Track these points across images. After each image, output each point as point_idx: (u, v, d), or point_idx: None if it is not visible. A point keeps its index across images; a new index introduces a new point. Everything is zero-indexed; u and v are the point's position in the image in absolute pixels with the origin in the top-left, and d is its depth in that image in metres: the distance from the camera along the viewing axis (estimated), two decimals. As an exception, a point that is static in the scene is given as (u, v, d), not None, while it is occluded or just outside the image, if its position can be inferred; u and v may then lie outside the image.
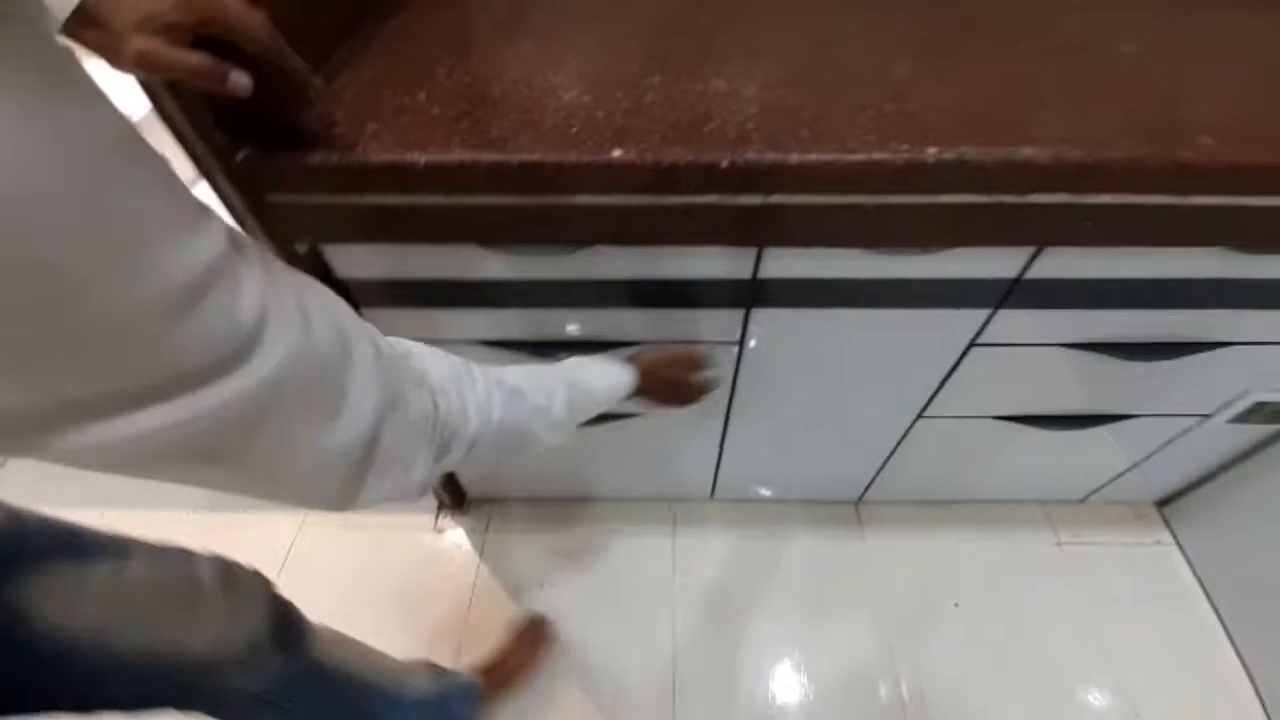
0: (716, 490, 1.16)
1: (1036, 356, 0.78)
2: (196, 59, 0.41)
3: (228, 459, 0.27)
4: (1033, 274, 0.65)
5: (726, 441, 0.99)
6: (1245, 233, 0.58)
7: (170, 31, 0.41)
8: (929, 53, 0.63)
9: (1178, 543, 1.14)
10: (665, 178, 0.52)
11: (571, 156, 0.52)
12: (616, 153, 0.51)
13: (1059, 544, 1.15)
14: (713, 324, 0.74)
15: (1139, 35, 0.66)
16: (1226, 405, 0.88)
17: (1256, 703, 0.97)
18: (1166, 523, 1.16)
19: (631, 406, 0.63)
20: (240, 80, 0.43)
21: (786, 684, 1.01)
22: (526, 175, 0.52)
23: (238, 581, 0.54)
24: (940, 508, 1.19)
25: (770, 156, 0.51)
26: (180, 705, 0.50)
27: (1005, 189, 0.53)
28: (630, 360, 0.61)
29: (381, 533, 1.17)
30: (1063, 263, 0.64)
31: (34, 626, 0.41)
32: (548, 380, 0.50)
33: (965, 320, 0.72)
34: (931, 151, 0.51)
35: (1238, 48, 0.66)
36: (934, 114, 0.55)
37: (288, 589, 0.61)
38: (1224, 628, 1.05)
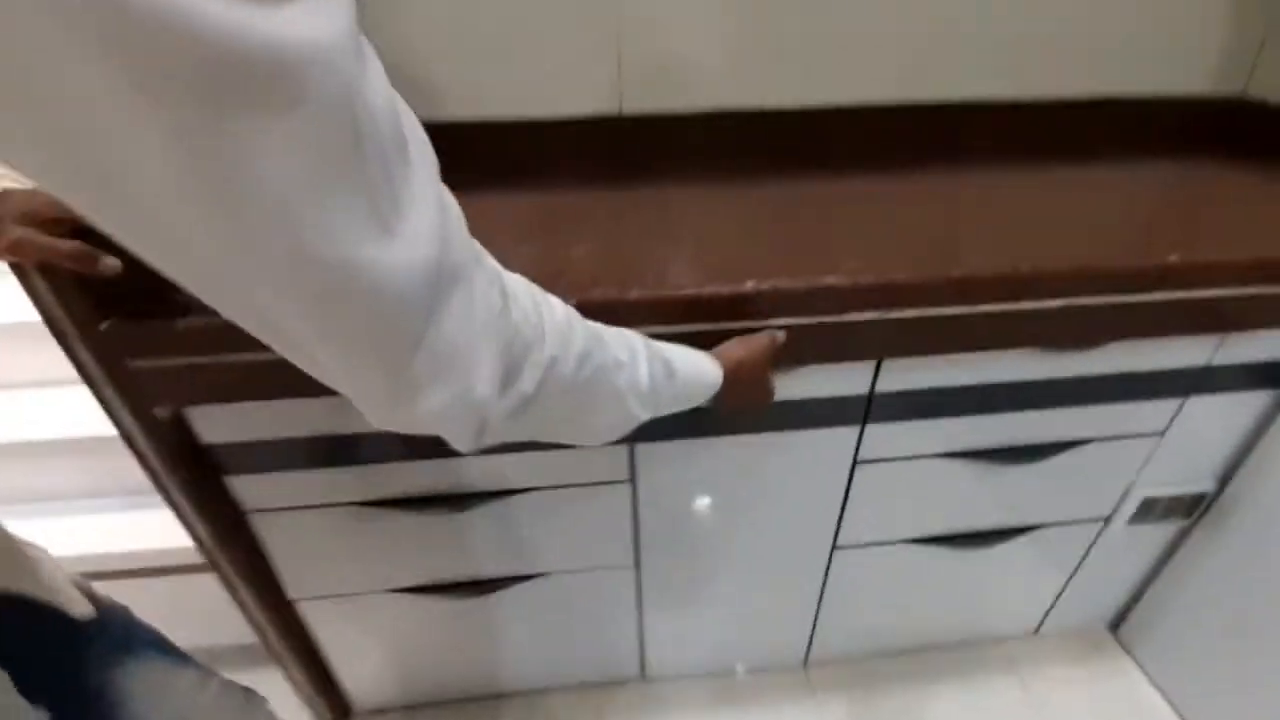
0: (647, 668, 1.05)
1: (920, 469, 0.80)
2: (69, 246, 0.47)
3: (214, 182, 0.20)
4: (883, 387, 0.71)
5: (645, 602, 0.92)
6: (1040, 334, 0.67)
7: (48, 225, 0.47)
8: (760, 219, 0.75)
9: (1140, 666, 1.07)
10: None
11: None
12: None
13: (1024, 687, 1.05)
14: (599, 462, 0.74)
15: (916, 197, 0.82)
16: (1119, 506, 0.91)
17: None
18: (1125, 648, 1.10)
19: (710, 405, 0.54)
20: (110, 263, 0.48)
21: None
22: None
23: None
24: (895, 660, 1.09)
25: (611, 293, 0.58)
26: None
27: (820, 310, 0.61)
28: (715, 355, 0.54)
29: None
30: (905, 375, 0.71)
31: (126, 708, 0.45)
32: (631, 339, 0.43)
33: (840, 438, 0.76)
34: (750, 284, 0.59)
35: (996, 202, 0.82)
36: (757, 260, 0.64)
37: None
38: (1221, 766, 0.94)
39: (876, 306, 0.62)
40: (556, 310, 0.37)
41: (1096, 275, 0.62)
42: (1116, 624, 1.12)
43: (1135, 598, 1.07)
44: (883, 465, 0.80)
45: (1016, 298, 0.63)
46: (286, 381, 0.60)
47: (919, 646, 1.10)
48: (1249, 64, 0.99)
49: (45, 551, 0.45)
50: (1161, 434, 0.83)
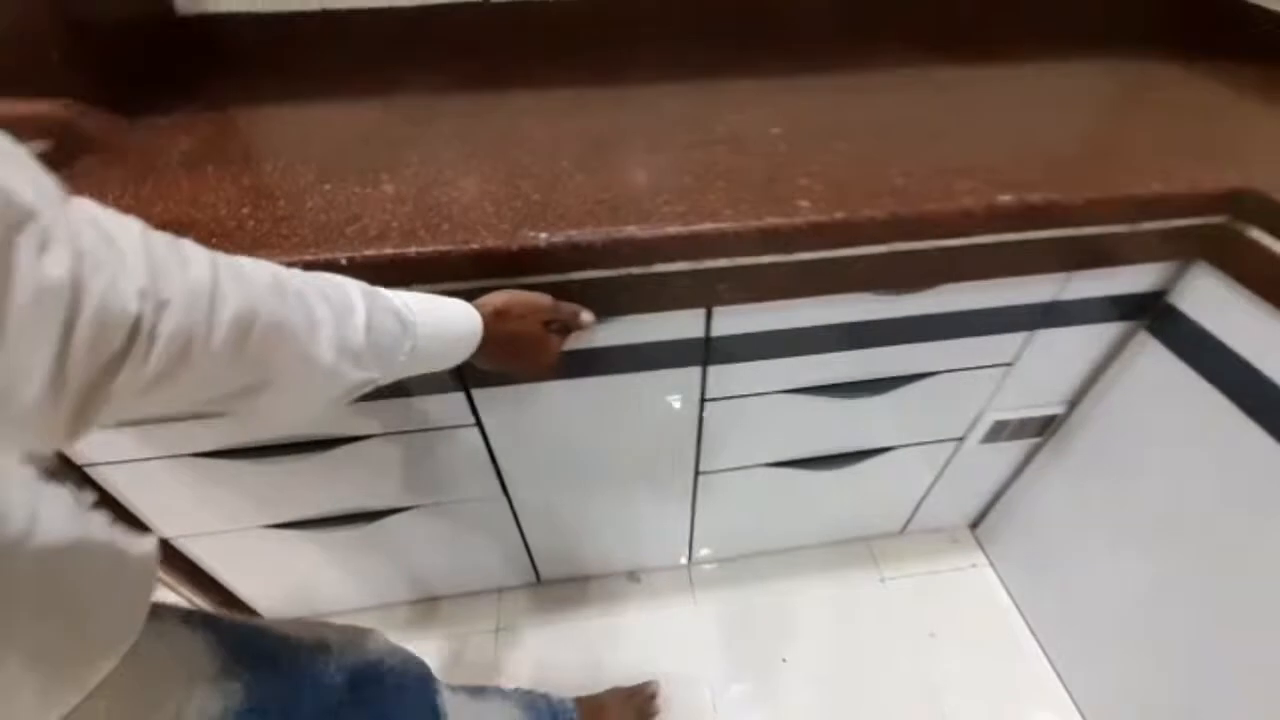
0: (540, 575, 1.13)
1: (769, 404, 0.81)
2: None
3: None
4: (718, 331, 0.70)
5: (522, 522, 0.97)
6: (866, 279, 0.64)
7: None
8: (593, 151, 0.68)
9: (991, 563, 1.18)
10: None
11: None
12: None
13: (882, 580, 1.16)
14: (439, 409, 0.74)
15: (790, 121, 0.75)
16: (971, 428, 0.94)
17: (1075, 712, 0.99)
18: (980, 545, 1.21)
19: (481, 364, 0.51)
20: None
21: (613, 777, 0.95)
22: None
23: None
24: (770, 558, 1.19)
25: (389, 251, 0.54)
26: None
27: (621, 262, 0.57)
28: (478, 304, 0.50)
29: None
30: (738, 319, 0.69)
31: None
32: (345, 290, 0.38)
33: (685, 378, 0.75)
34: (543, 236, 0.55)
35: (856, 124, 0.75)
36: (570, 203, 0.59)
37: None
38: (1035, 638, 1.07)
39: (687, 258, 0.58)
40: (194, 268, 0.30)
41: (916, 222, 0.59)
42: (977, 523, 1.22)
43: (993, 501, 1.15)
44: (731, 401, 0.80)
45: (835, 246, 0.60)
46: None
47: (794, 546, 1.19)
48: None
49: None
50: (1011, 364, 0.84)
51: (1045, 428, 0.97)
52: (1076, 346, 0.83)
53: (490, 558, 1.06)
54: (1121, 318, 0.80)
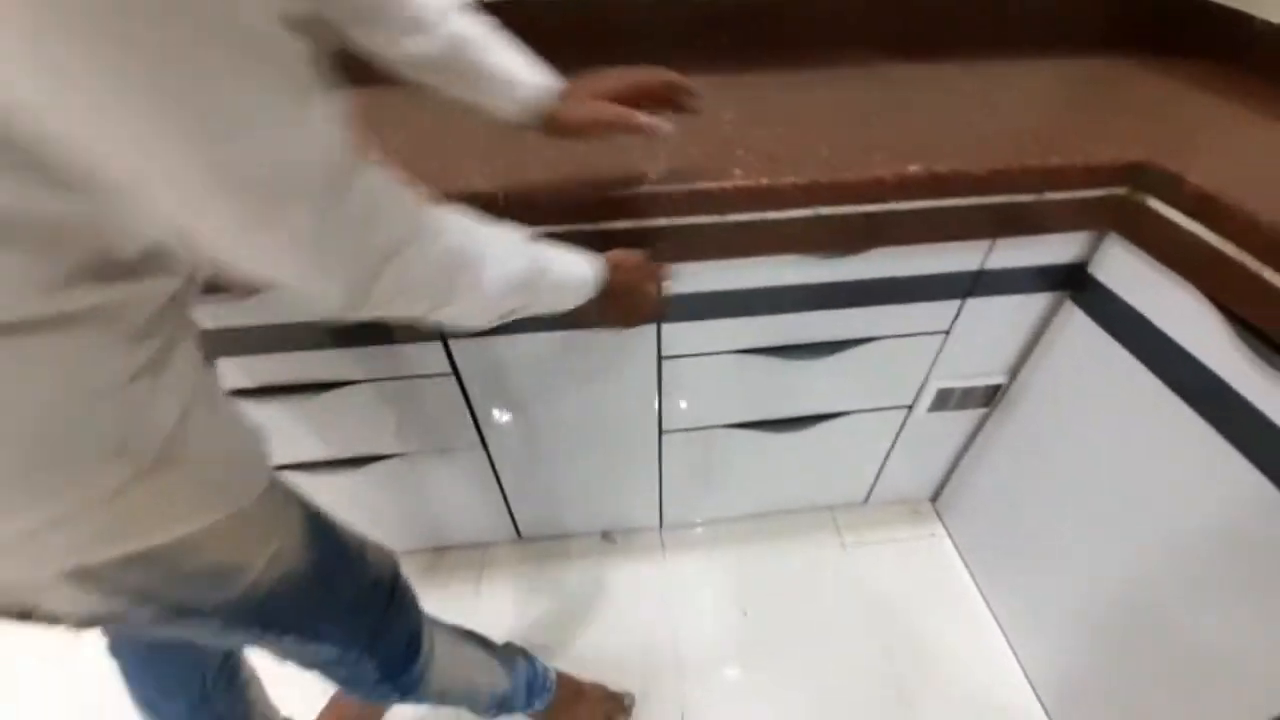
0: (521, 531, 1.21)
1: (722, 363, 0.89)
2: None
3: None
4: (668, 291, 0.78)
5: (501, 476, 1.05)
6: (795, 241, 0.72)
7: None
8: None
9: (949, 533, 1.23)
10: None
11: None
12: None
13: (843, 546, 1.23)
14: (419, 357, 0.83)
15: (742, 108, 0.83)
16: (918, 395, 1.01)
17: (1025, 683, 1.04)
18: (939, 516, 1.26)
19: (598, 309, 0.60)
20: (666, 128, 0.60)
21: None
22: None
23: None
24: (739, 523, 1.26)
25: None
26: None
27: (570, 218, 0.66)
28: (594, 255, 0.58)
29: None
30: (686, 279, 0.77)
31: None
32: (510, 235, 0.49)
33: (641, 334, 0.83)
34: (500, 196, 0.64)
35: (800, 111, 0.83)
36: (529, 171, 0.68)
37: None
38: (988, 606, 1.13)
39: (630, 216, 0.67)
40: (425, 213, 0.41)
41: (833, 188, 0.66)
42: (936, 495, 1.28)
43: (950, 472, 1.21)
44: (686, 360, 0.88)
45: (763, 208, 0.68)
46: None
47: (761, 512, 1.26)
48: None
49: None
50: (947, 332, 0.90)
51: (990, 398, 1.03)
52: (1009, 315, 0.90)
53: (471, 512, 1.15)
54: (1049, 288, 0.87)
